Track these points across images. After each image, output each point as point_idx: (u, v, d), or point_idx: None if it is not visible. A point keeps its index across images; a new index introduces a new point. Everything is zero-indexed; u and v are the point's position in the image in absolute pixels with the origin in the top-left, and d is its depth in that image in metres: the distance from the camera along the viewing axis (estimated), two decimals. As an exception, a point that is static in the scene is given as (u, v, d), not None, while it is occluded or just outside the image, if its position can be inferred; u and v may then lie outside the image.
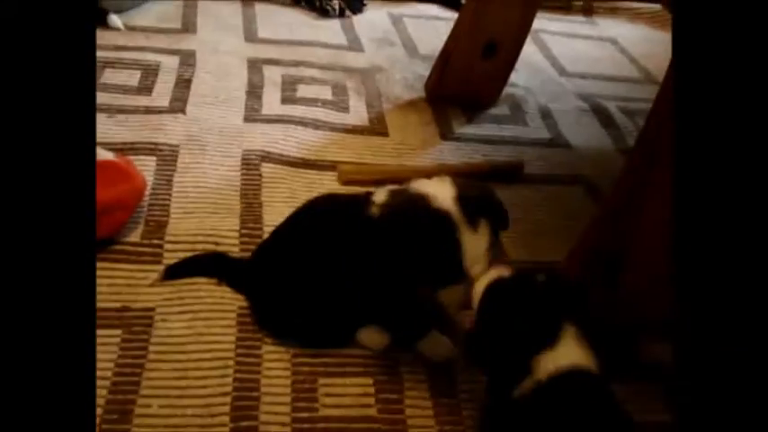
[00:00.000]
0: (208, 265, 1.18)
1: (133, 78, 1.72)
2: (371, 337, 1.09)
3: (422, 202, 0.97)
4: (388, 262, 0.98)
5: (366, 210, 1.00)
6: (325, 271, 1.03)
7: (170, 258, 1.20)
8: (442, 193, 0.97)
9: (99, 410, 0.95)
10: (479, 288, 0.92)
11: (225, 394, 1.00)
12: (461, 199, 0.96)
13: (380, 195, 1.02)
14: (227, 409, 0.99)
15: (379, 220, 0.99)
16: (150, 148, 1.47)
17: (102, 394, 0.97)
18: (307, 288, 1.05)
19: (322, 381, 1.05)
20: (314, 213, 1.10)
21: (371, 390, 1.05)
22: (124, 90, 1.66)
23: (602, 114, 1.92)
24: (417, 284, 0.98)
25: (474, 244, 0.95)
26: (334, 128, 1.67)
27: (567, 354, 0.83)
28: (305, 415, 1.00)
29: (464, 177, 1.07)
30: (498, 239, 0.99)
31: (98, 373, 0.98)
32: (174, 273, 1.17)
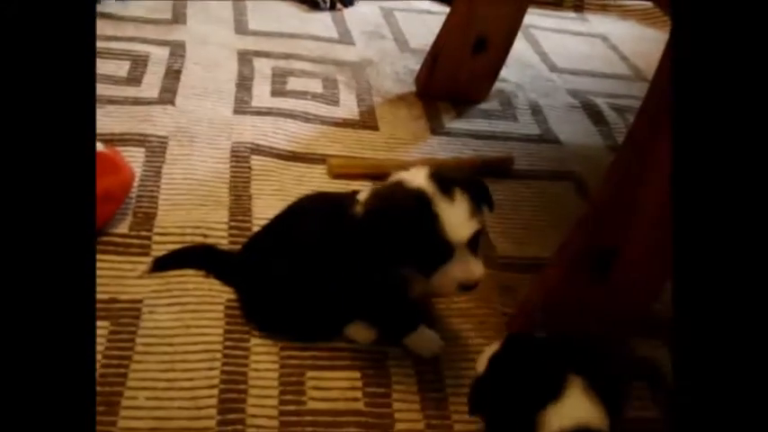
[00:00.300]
0: (196, 257, 1.18)
1: (122, 69, 1.70)
2: (359, 331, 1.10)
3: (396, 186, 0.98)
4: (374, 258, 0.98)
5: (351, 208, 1.00)
6: (313, 269, 1.03)
7: (158, 250, 1.20)
8: (415, 175, 0.97)
9: (85, 402, 0.95)
10: (484, 358, 0.91)
11: (212, 387, 1.00)
12: (434, 175, 0.96)
13: (364, 194, 1.02)
14: (214, 401, 0.98)
15: (361, 218, 0.99)
16: (139, 140, 1.46)
17: (88, 386, 0.97)
18: (295, 285, 1.05)
19: (310, 374, 1.05)
20: (304, 210, 1.10)
21: (359, 383, 1.05)
22: (113, 80, 1.65)
23: (591, 111, 1.92)
24: (406, 276, 0.98)
25: (452, 212, 0.93)
26: (324, 121, 1.66)
27: (573, 409, 0.81)
28: (292, 408, 1.00)
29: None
30: (482, 214, 0.98)
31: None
32: (163, 265, 1.16)
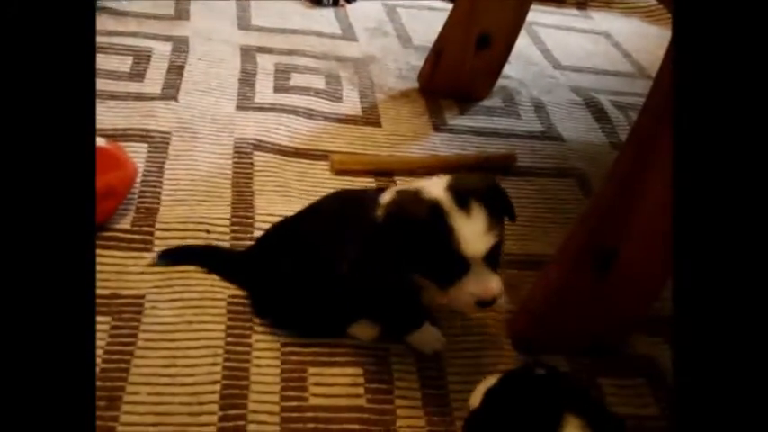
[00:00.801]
0: (200, 256, 1.18)
1: (125, 64, 1.70)
2: (362, 328, 1.09)
3: (414, 195, 0.96)
4: (390, 264, 0.96)
5: (372, 210, 0.98)
6: (324, 268, 1.02)
7: (160, 246, 1.20)
8: (434, 185, 0.96)
9: (87, 397, 0.95)
10: (479, 392, 0.89)
11: (214, 382, 1.00)
12: (452, 187, 0.94)
13: (387, 196, 1.00)
14: (215, 397, 0.98)
15: (380, 223, 0.97)
16: (142, 135, 1.46)
17: (90, 381, 0.97)
18: (305, 283, 1.05)
19: (311, 370, 1.05)
20: (323, 209, 1.10)
21: (361, 380, 1.05)
22: (116, 76, 1.65)
23: (594, 108, 1.92)
24: (421, 284, 0.97)
25: (468, 226, 0.91)
26: (326, 117, 1.66)
27: None
28: (294, 404, 1.00)
29: (456, 168, 1.06)
30: (502, 226, 0.96)
31: (87, 360, 0.98)
32: (166, 259, 1.16)
